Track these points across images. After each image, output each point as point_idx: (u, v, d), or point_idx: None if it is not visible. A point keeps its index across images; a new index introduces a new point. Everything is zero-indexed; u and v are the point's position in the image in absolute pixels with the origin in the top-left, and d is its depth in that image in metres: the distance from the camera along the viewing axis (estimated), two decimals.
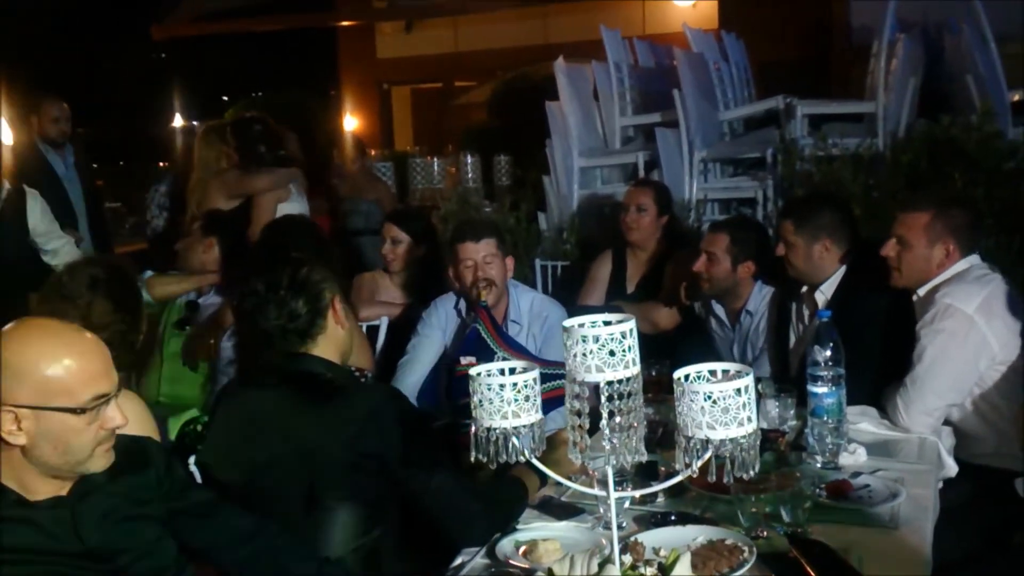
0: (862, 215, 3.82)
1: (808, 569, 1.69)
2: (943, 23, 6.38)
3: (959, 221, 2.59)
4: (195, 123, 5.98)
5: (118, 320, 2.25)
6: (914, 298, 2.64)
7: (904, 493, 2.07)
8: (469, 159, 6.26)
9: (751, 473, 1.54)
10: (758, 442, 1.55)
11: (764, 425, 2.44)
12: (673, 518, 2.00)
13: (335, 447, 1.92)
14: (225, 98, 15.79)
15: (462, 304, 3.18)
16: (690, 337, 3.52)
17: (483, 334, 2.90)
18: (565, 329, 1.58)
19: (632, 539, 1.80)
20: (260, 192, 4.28)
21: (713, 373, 1.58)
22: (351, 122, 12.32)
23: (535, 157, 6.16)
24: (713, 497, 2.09)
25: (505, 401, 1.60)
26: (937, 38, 6.42)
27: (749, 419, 1.53)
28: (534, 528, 2.01)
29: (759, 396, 2.48)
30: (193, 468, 2.10)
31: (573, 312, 2.99)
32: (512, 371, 1.65)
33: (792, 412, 2.50)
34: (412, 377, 3.15)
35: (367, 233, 5.33)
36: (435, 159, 6.72)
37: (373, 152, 7.97)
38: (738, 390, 1.52)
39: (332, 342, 2.09)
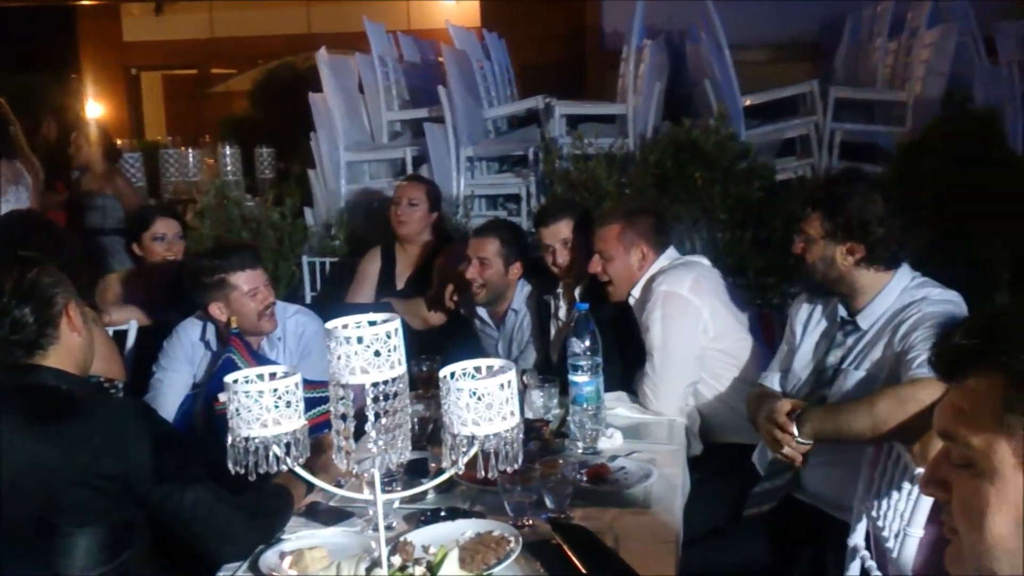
0: None
1: (568, 554, 1.76)
2: (686, 31, 6.87)
3: (644, 225, 2.86)
4: None
5: None
6: (630, 300, 2.84)
7: (656, 473, 2.21)
8: (228, 151, 5.93)
9: (516, 465, 1.58)
10: (521, 435, 1.59)
11: (530, 415, 2.52)
12: (443, 514, 2.01)
13: (71, 468, 1.74)
14: None
15: (210, 334, 2.95)
16: (460, 332, 3.57)
17: (238, 362, 2.75)
18: (328, 331, 1.53)
19: (401, 539, 1.79)
20: None
21: (478, 369, 1.60)
22: (95, 109, 11.37)
23: (299, 150, 5.97)
24: (482, 489, 2.12)
25: (264, 408, 1.53)
26: (680, 45, 6.93)
27: (512, 413, 1.56)
28: (301, 536, 1.95)
29: (524, 387, 2.56)
30: None
31: (342, 310, 2.90)
32: (272, 376, 1.58)
33: (555, 401, 2.60)
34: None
35: (108, 232, 4.92)
36: (190, 150, 6.33)
37: (120, 141, 7.37)
38: (501, 385, 1.55)
39: (67, 351, 1.89)
